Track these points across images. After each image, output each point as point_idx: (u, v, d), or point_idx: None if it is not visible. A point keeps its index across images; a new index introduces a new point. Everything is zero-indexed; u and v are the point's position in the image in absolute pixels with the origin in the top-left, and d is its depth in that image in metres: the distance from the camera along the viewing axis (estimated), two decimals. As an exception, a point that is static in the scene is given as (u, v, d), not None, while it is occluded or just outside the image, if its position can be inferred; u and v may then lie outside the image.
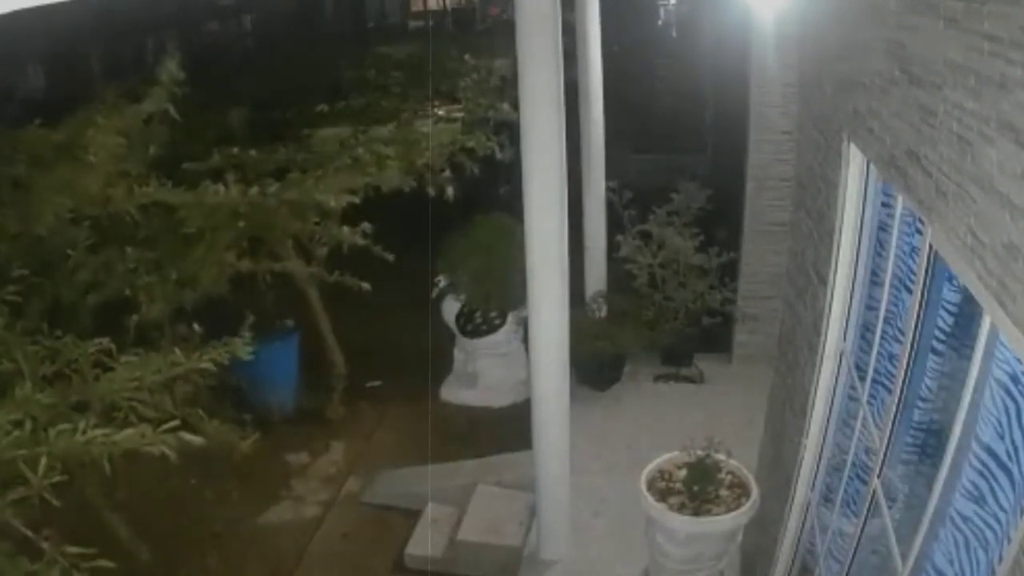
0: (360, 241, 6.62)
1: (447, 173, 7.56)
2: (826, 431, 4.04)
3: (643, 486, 4.78)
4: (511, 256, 6.19)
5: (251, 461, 5.16)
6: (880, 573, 3.13)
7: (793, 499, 4.27)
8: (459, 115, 9.05)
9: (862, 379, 3.54)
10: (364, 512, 6.47)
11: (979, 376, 2.28)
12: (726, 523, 4.61)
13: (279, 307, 7.21)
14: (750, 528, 4.78)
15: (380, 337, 8.30)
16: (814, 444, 4.09)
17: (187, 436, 3.85)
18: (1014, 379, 2.14)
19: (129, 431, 3.76)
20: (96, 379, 4.20)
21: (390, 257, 6.61)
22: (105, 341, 4.35)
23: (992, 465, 2.24)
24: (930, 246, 2.57)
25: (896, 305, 3.21)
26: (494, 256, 7.20)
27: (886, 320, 3.30)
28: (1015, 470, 2.12)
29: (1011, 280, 1.91)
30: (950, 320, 2.64)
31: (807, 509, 4.24)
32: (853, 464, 3.57)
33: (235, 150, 7.01)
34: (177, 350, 4.47)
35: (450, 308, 7.65)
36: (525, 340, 6.40)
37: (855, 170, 3.60)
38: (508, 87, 9.27)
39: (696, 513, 4.63)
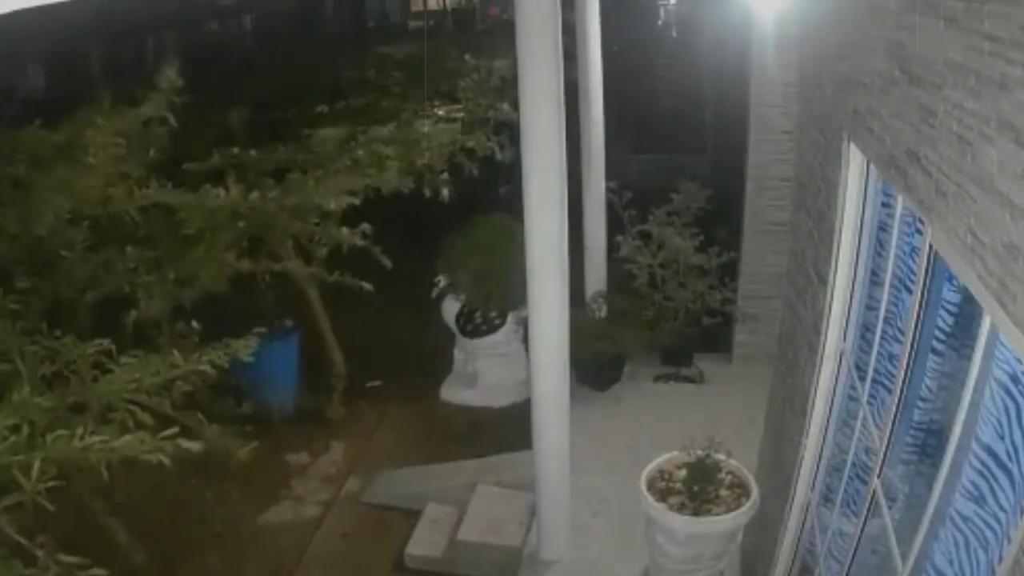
0: (360, 242, 6.62)
1: (445, 175, 7.57)
2: (826, 431, 4.04)
3: (643, 486, 4.78)
4: (511, 256, 6.19)
5: (251, 461, 5.15)
6: (880, 573, 3.12)
7: (793, 499, 4.27)
8: (459, 115, 9.05)
9: (862, 379, 3.54)
10: (364, 512, 6.47)
11: (979, 376, 2.28)
12: (726, 523, 4.61)
13: (279, 307, 7.22)
14: (750, 528, 4.78)
15: (380, 337, 8.31)
16: (814, 444, 4.09)
17: (185, 443, 3.84)
18: (1014, 379, 2.14)
19: (127, 438, 3.76)
20: (95, 380, 4.19)
21: (388, 263, 6.61)
22: (106, 342, 4.35)
23: (992, 465, 2.24)
24: (930, 246, 2.57)
25: (896, 305, 3.21)
26: (494, 256, 7.20)
27: (886, 320, 3.30)
28: (1015, 470, 2.12)
29: (1011, 280, 1.91)
30: (950, 320, 2.64)
31: (807, 509, 4.24)
32: (853, 464, 3.57)
33: (235, 150, 7.01)
34: (176, 351, 4.46)
35: (450, 308, 7.65)
36: (525, 340, 6.40)
37: (855, 170, 3.60)
38: (508, 87, 9.27)
39: (696, 513, 4.63)
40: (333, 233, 6.70)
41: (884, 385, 3.28)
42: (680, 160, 11.46)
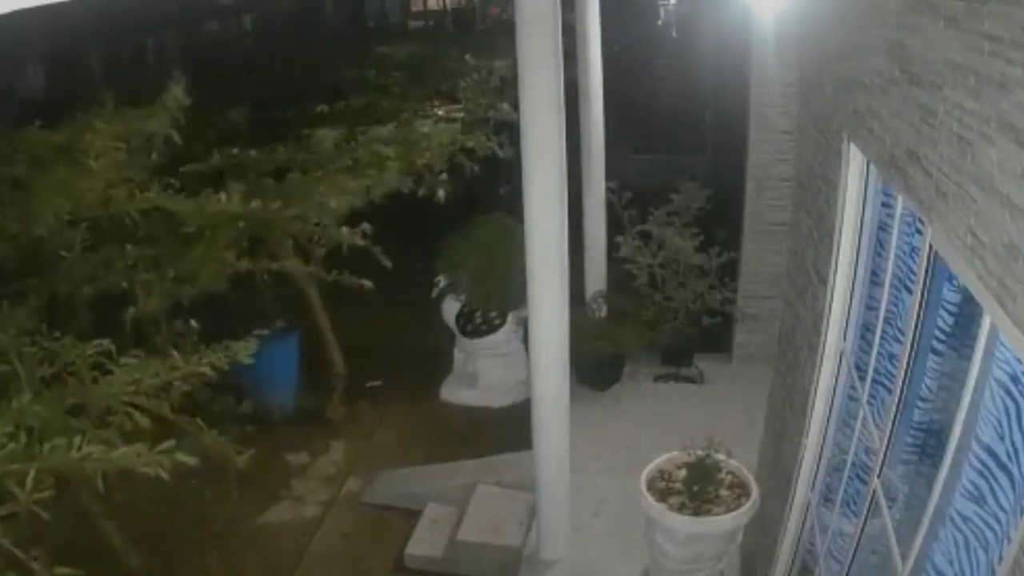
0: (360, 242, 6.62)
1: (444, 176, 7.57)
2: (826, 431, 4.04)
3: (643, 486, 4.78)
4: (511, 256, 6.19)
5: (251, 461, 5.15)
6: (880, 573, 3.12)
7: (793, 499, 4.27)
8: (459, 115, 9.05)
9: (862, 379, 3.54)
10: (364, 512, 6.47)
11: (979, 376, 2.28)
12: (726, 523, 4.61)
13: (279, 307, 7.22)
14: (750, 528, 4.78)
15: (380, 337, 8.31)
16: (814, 444, 4.09)
17: (183, 457, 3.84)
18: (1014, 379, 2.14)
19: (124, 449, 3.75)
20: (94, 381, 4.18)
21: (387, 263, 6.61)
22: (105, 342, 4.34)
23: (992, 465, 2.24)
24: (930, 246, 2.57)
25: (896, 305, 3.21)
26: (494, 256, 7.20)
27: (886, 320, 3.30)
28: (1015, 470, 2.12)
29: (1011, 280, 1.91)
30: (950, 320, 2.64)
31: (807, 509, 4.24)
32: (853, 464, 3.57)
33: (235, 151, 7.01)
34: (175, 353, 4.45)
35: (450, 308, 7.65)
36: (525, 340, 6.40)
37: (855, 170, 3.60)
38: (508, 87, 9.27)
39: (696, 513, 4.63)
40: (333, 233, 6.69)
41: (884, 385, 3.27)
42: (680, 160, 11.46)
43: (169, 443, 3.84)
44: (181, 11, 14.99)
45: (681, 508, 4.66)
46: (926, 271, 2.65)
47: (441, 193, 7.46)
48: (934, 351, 2.75)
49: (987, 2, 2.05)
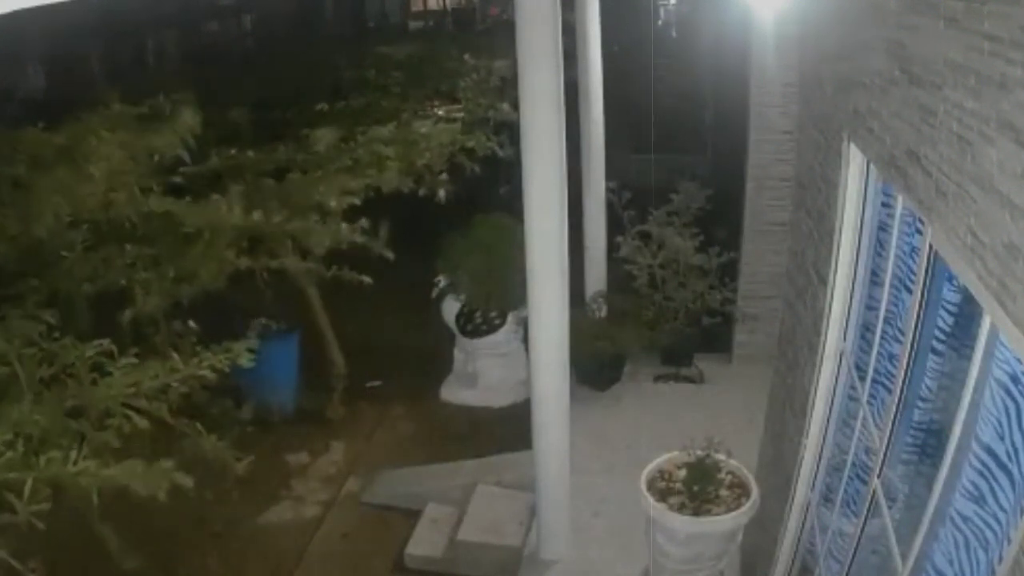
0: (359, 238, 6.62)
1: (444, 176, 7.57)
2: (826, 431, 4.04)
3: (643, 486, 4.78)
4: (511, 256, 6.19)
5: (251, 461, 5.15)
6: (880, 573, 3.12)
7: (793, 499, 4.27)
8: (459, 115, 9.04)
9: (862, 379, 3.54)
10: (364, 512, 6.47)
11: (979, 376, 2.28)
12: (726, 523, 4.61)
13: (279, 306, 7.22)
14: (750, 528, 4.78)
15: (380, 337, 8.31)
16: (814, 444, 4.09)
17: (179, 477, 3.83)
18: (1014, 379, 2.14)
19: (120, 467, 3.74)
20: (94, 383, 4.16)
21: (390, 254, 6.61)
22: (106, 343, 4.32)
23: (992, 465, 2.24)
24: (930, 246, 2.57)
25: (896, 305, 3.21)
26: (494, 256, 7.20)
27: (886, 320, 3.30)
28: (1015, 470, 2.12)
29: (1011, 280, 1.91)
30: (950, 320, 2.64)
31: (807, 509, 4.24)
32: (853, 464, 3.57)
33: (233, 151, 7.00)
34: (175, 354, 4.44)
35: (450, 308, 7.65)
36: (525, 340, 6.40)
37: (855, 170, 3.60)
38: (508, 87, 9.27)
39: (696, 513, 4.63)
40: (333, 231, 6.70)
41: (884, 385, 3.27)
42: (680, 160, 11.44)
43: (167, 463, 3.84)
44: (181, 11, 14.99)
45: (681, 508, 4.66)
46: (926, 271, 2.65)
47: (442, 193, 7.45)
48: (934, 351, 2.75)
49: (987, 2, 2.05)
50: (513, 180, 5.09)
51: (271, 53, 14.03)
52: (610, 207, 7.72)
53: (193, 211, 5.87)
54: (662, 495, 4.74)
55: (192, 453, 4.58)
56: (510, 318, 7.55)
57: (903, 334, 2.92)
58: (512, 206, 5.40)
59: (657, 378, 7.72)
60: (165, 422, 4.39)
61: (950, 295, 2.60)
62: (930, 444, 2.80)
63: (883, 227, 3.41)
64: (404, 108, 9.15)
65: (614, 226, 7.84)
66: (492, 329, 7.54)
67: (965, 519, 2.38)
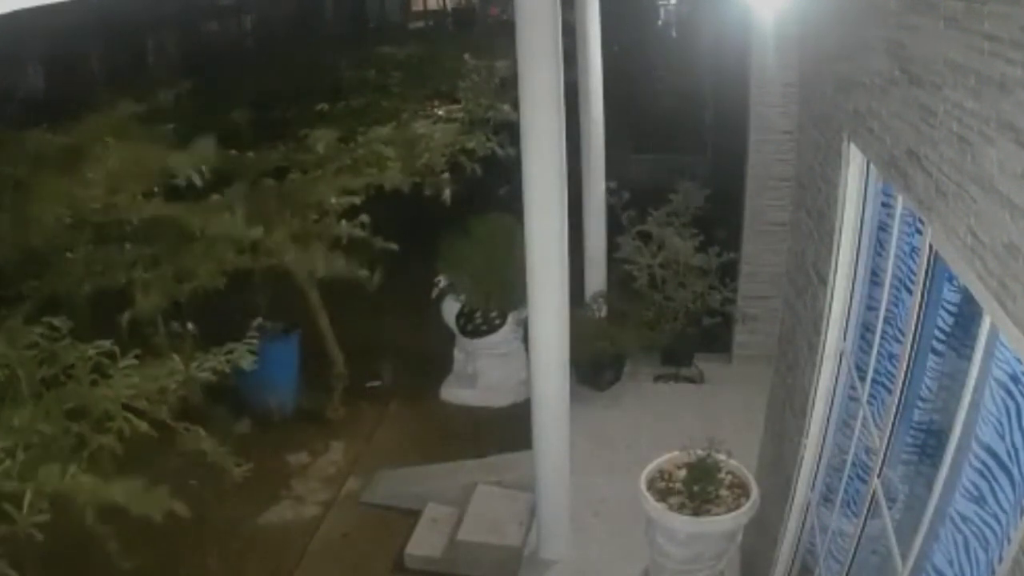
0: (360, 233, 6.63)
1: (446, 175, 7.57)
2: (826, 431, 4.04)
3: (643, 486, 4.78)
4: (511, 256, 6.19)
5: (251, 461, 5.15)
6: (880, 573, 3.13)
7: (793, 499, 4.27)
8: (459, 115, 9.04)
9: (862, 379, 3.54)
10: (364, 512, 6.47)
11: (979, 376, 2.28)
12: (726, 523, 4.61)
13: (279, 307, 7.22)
14: (750, 528, 4.78)
15: (380, 337, 8.31)
16: (814, 444, 4.09)
17: (176, 506, 3.82)
18: (1014, 379, 2.14)
19: (118, 485, 3.73)
20: (94, 384, 4.15)
21: (394, 246, 6.61)
22: (108, 344, 4.31)
23: (992, 465, 2.24)
24: (930, 246, 2.57)
25: (896, 305, 3.21)
26: (494, 256, 7.20)
27: (886, 320, 3.30)
28: (1015, 470, 2.12)
29: (1011, 280, 1.91)
30: (950, 320, 2.64)
31: (807, 509, 4.24)
32: (853, 464, 3.57)
33: (233, 152, 7.00)
34: (176, 356, 4.43)
35: (450, 308, 7.65)
36: (525, 340, 6.40)
37: (855, 170, 3.60)
38: (508, 87, 9.27)
39: (696, 513, 4.63)
40: (333, 229, 6.71)
41: (884, 385, 3.28)
42: (680, 160, 11.45)
43: (163, 487, 3.83)
44: (181, 11, 14.99)
45: (681, 508, 4.66)
46: (926, 271, 2.65)
47: (447, 192, 7.47)
48: (934, 351, 2.75)
49: (987, 2, 2.05)
50: (513, 180, 5.09)
51: (271, 53, 14.02)
52: (610, 207, 7.72)
53: (195, 218, 5.85)
54: (662, 495, 4.74)
55: (192, 455, 4.57)
56: (510, 318, 7.55)
57: (903, 334, 2.92)
58: (512, 206, 5.40)
59: (657, 378, 7.72)
60: (165, 424, 4.39)
61: (950, 295, 2.60)
62: (930, 444, 2.80)
63: (883, 227, 3.41)
64: (404, 108, 9.15)
65: (614, 226, 7.84)
66: (492, 329, 7.54)
67: (965, 519, 2.38)
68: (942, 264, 2.52)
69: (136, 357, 4.35)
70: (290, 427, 7.32)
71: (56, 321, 4.25)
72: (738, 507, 4.64)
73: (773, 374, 5.58)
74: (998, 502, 2.20)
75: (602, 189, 7.62)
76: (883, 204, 3.44)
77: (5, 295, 4.89)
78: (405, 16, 22.89)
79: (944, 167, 2.35)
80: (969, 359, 2.31)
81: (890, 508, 2.98)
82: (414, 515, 6.22)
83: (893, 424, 2.93)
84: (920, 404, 2.87)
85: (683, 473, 4.78)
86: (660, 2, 19.92)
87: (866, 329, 3.64)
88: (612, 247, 7.85)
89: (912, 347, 2.80)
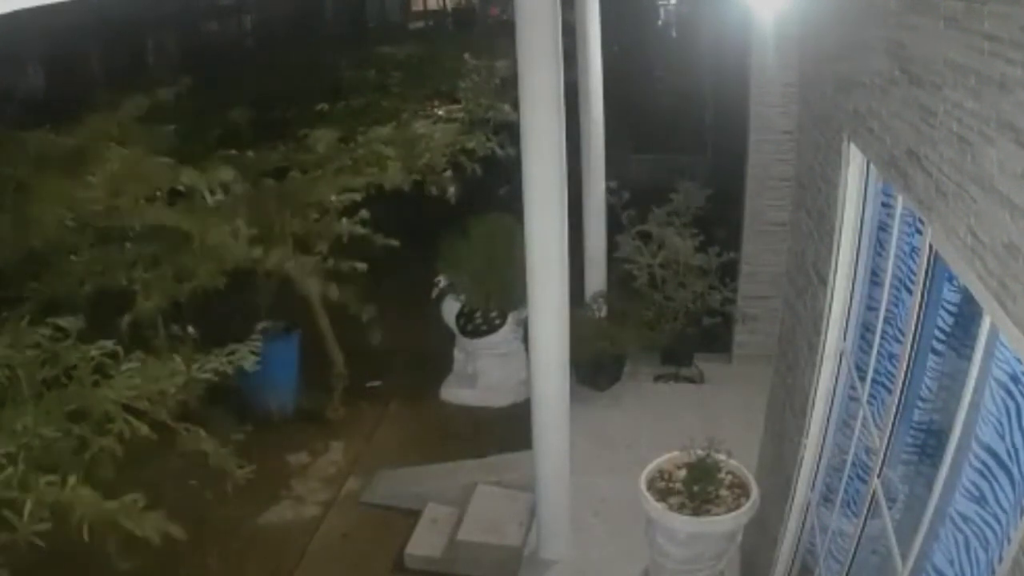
0: (360, 230, 6.64)
1: (448, 173, 7.57)
2: (826, 431, 4.04)
3: (643, 486, 4.78)
4: (511, 256, 6.19)
5: (251, 461, 5.15)
6: (880, 573, 3.12)
7: (793, 499, 4.27)
8: (459, 115, 9.05)
9: (862, 379, 3.54)
10: (364, 512, 6.47)
11: (979, 376, 2.28)
12: (726, 523, 4.61)
13: (279, 306, 7.22)
14: (750, 528, 4.78)
15: (380, 337, 8.31)
16: (814, 444, 4.09)
17: (174, 529, 3.81)
18: (1014, 379, 2.14)
19: (115, 503, 3.73)
20: (96, 385, 4.14)
21: (395, 242, 6.60)
22: (111, 344, 4.30)
23: (992, 465, 2.24)
24: (930, 246, 2.57)
25: (896, 305, 3.21)
26: (494, 256, 7.20)
27: (886, 320, 3.30)
28: (1015, 470, 2.12)
29: (1011, 280, 1.91)
30: (950, 320, 2.64)
31: (807, 509, 4.24)
32: (853, 464, 3.57)
33: (233, 152, 7.01)
34: (177, 357, 4.42)
35: (450, 308, 7.65)
36: (525, 340, 6.40)
37: (855, 170, 3.60)
38: (508, 87, 9.27)
39: (696, 513, 4.63)
40: (333, 227, 6.72)
41: (884, 385, 3.28)
42: (680, 160, 11.45)
43: (159, 512, 3.83)
44: (181, 11, 14.99)
45: (681, 508, 4.66)
46: (926, 271, 2.65)
47: (451, 190, 7.47)
48: (934, 351, 2.75)
49: (987, 2, 2.05)
50: (513, 180, 5.09)
51: (271, 53, 14.02)
52: (610, 207, 7.72)
53: (196, 229, 5.84)
54: (662, 495, 4.74)
55: (192, 455, 4.57)
56: (510, 318, 7.54)
57: (903, 334, 2.92)
58: (512, 206, 5.40)
59: (657, 378, 7.72)
60: (166, 424, 4.38)
61: (950, 295, 2.60)
62: (930, 444, 2.80)
63: (883, 227, 3.41)
64: (404, 108, 9.15)
65: (614, 226, 7.84)
66: (492, 329, 7.54)
67: (965, 519, 2.38)
68: (942, 264, 2.52)
69: (138, 359, 4.35)
70: (290, 427, 7.32)
71: (62, 322, 4.24)
72: (738, 507, 4.64)
73: (773, 374, 5.58)
74: (998, 502, 2.20)
75: (602, 189, 7.62)
76: (883, 204, 3.44)
77: (5, 296, 4.88)
78: (405, 16, 22.88)
79: (944, 167, 2.35)
80: (969, 359, 2.31)
81: (890, 508, 2.98)
82: (414, 515, 6.22)
83: (893, 424, 2.93)
84: (920, 404, 2.87)
85: (683, 473, 4.78)
86: (660, 2, 19.91)
87: (866, 329, 3.64)
88: (612, 247, 7.85)
89: (912, 347, 2.80)
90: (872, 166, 3.39)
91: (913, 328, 2.77)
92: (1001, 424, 2.20)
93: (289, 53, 12.71)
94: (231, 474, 4.68)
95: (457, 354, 7.90)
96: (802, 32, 5.52)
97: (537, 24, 4.34)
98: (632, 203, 7.76)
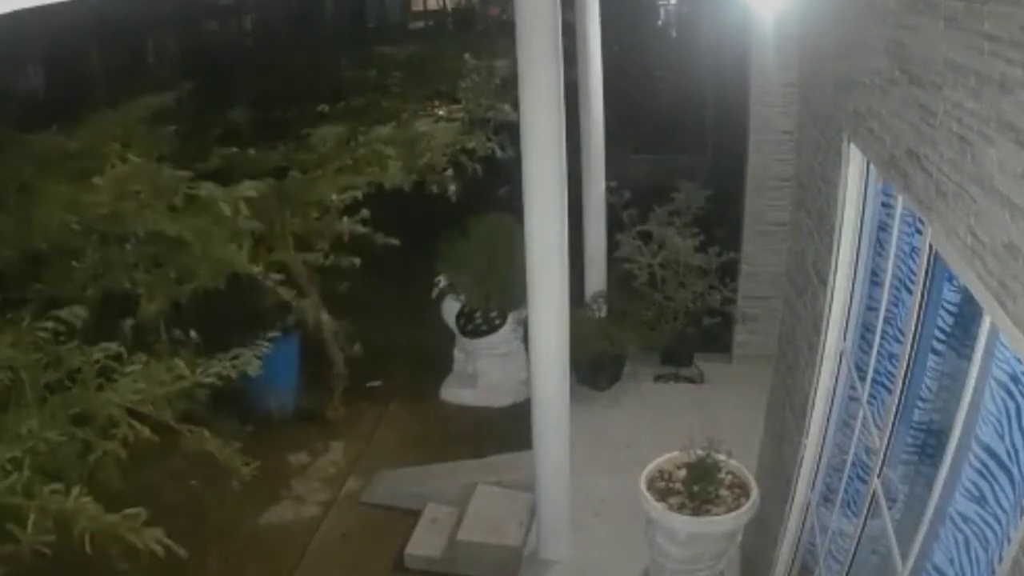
0: (361, 229, 6.64)
1: (449, 172, 7.57)
2: (826, 431, 4.04)
3: (643, 486, 4.78)
4: (511, 256, 6.19)
5: (252, 461, 5.15)
6: (880, 573, 3.12)
7: (793, 499, 4.27)
8: (459, 115, 9.05)
9: (862, 379, 3.54)
10: (364, 512, 6.47)
11: (979, 376, 2.28)
12: (726, 523, 4.61)
13: (279, 306, 7.21)
14: (750, 528, 4.78)
15: (380, 337, 8.30)
16: (814, 444, 4.09)
17: (176, 549, 3.84)
18: (1014, 379, 2.14)
19: (117, 516, 3.73)
20: (99, 388, 4.13)
21: (395, 241, 6.60)
22: (114, 346, 4.30)
23: (992, 465, 2.24)
24: (930, 246, 2.57)
25: (896, 305, 3.21)
26: (494, 256, 7.20)
27: (886, 320, 3.30)
28: (1015, 470, 2.12)
29: (1011, 280, 1.91)
30: (950, 320, 2.64)
31: (807, 509, 4.24)
32: (853, 464, 3.57)
33: (234, 150, 7.01)
34: (180, 361, 4.42)
35: (450, 308, 7.65)
36: (525, 340, 6.40)
37: (855, 170, 3.60)
38: (508, 87, 9.27)
39: (696, 513, 4.63)
40: (334, 226, 6.72)
41: (884, 385, 3.27)
42: (680, 160, 11.45)
43: (158, 530, 3.84)
44: (181, 11, 14.98)
45: (681, 508, 4.66)
46: (926, 271, 2.65)
47: (452, 188, 7.47)
48: (934, 351, 2.75)
49: (987, 2, 2.05)
50: (513, 180, 5.09)
51: (271, 53, 14.02)
52: (610, 207, 7.72)
53: (200, 239, 5.83)
54: (662, 495, 4.74)
55: (193, 456, 4.57)
56: (510, 318, 7.54)
57: (903, 334, 2.92)
58: (512, 206, 5.40)
59: (657, 378, 7.72)
60: (168, 426, 4.38)
61: (950, 295, 2.60)
62: (930, 444, 2.80)
63: (883, 227, 3.41)
64: (404, 108, 9.15)
65: (614, 226, 7.84)
66: (492, 329, 7.54)
67: (965, 519, 2.38)
68: (942, 264, 2.52)
69: (142, 363, 4.34)
70: (290, 427, 7.32)
71: (63, 313, 4.23)
72: (738, 507, 4.64)
73: (773, 374, 5.58)
74: (998, 502, 2.20)
75: (602, 189, 7.62)
76: (883, 204, 3.44)
77: (8, 298, 4.88)
78: (405, 16, 22.87)
79: (944, 167, 2.35)
80: (969, 359, 2.31)
81: (890, 508, 2.98)
82: (414, 515, 6.22)
83: (893, 424, 2.93)
84: (920, 404, 2.87)
85: (683, 473, 4.78)
86: (660, 2, 19.90)
87: (866, 329, 3.64)
88: (612, 246, 7.85)
89: (912, 347, 2.80)
90: (872, 166, 3.39)
91: (913, 328, 2.77)
92: (1001, 424, 2.20)
93: (289, 53, 12.71)
94: (237, 472, 4.68)
95: (457, 354, 7.90)
96: (802, 32, 5.52)
97: (537, 24, 4.34)
98: (632, 203, 7.76)
